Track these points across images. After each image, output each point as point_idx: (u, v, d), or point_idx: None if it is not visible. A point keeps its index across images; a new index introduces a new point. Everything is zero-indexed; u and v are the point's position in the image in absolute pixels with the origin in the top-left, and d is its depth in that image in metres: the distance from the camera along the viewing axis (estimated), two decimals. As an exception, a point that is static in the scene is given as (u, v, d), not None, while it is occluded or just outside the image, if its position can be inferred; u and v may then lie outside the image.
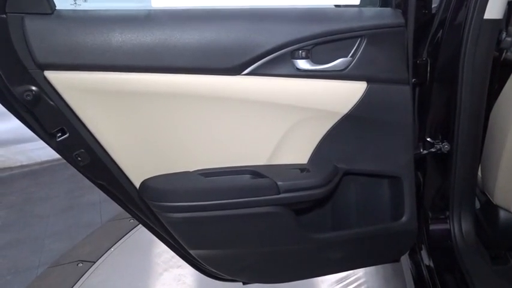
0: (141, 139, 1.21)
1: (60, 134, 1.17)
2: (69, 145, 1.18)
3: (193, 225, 1.22)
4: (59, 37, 1.09)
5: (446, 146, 1.42)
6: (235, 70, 1.17)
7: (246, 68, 1.17)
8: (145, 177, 1.23)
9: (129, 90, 1.15)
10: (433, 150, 1.43)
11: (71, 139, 1.17)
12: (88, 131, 1.17)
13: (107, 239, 2.79)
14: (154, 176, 1.23)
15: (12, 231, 2.97)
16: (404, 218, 1.38)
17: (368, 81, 1.24)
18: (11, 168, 3.86)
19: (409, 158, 1.33)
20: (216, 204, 1.20)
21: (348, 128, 1.27)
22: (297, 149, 1.30)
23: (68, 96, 1.13)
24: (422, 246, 1.52)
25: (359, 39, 1.21)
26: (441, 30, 1.35)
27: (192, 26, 1.15)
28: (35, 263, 2.64)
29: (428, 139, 1.45)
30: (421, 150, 1.45)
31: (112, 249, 2.70)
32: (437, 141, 1.44)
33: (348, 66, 1.22)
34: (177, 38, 1.14)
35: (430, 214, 1.50)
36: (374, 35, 1.21)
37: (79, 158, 1.19)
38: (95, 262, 2.58)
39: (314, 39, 1.18)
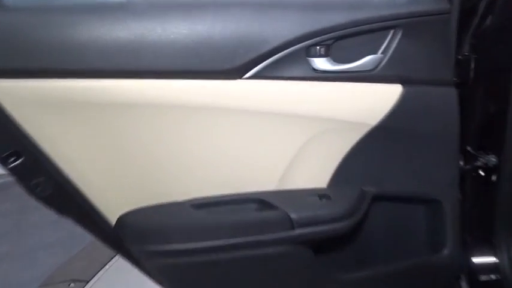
0: (116, 162, 0.97)
1: (13, 158, 0.92)
2: (26, 172, 0.94)
3: (187, 272, 0.98)
4: (7, 35, 0.87)
5: (492, 159, 1.19)
6: (235, 73, 0.93)
7: (250, 70, 0.94)
8: (123, 211, 0.99)
9: (99, 101, 0.92)
10: (476, 163, 1.20)
11: (26, 164, 0.93)
12: (47, 154, 0.92)
13: (101, 255, 2.54)
14: (134, 210, 0.99)
15: (7, 241, 2.77)
16: (445, 251, 1.14)
17: (403, 84, 1.00)
18: (5, 175, 3.64)
19: (453, 176, 1.10)
20: (214, 245, 0.95)
21: (377, 142, 1.03)
22: (314, 170, 1.05)
23: (19, 110, 0.90)
24: (463, 280, 1.26)
25: (392, 31, 0.97)
26: (490, 17, 1.10)
27: (179, 16, 0.92)
28: (29, 276, 2.41)
29: (470, 150, 1.19)
30: (462, 164, 1.20)
31: (107, 266, 2.46)
32: (481, 152, 1.20)
33: (378, 65, 0.98)
34: (159, 32, 0.90)
35: (472, 243, 1.24)
36: (411, 25, 0.97)
37: (38, 188, 0.94)
38: (88, 281, 2.34)
39: (335, 31, 0.94)
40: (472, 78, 1.16)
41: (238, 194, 1.02)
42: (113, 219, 1.00)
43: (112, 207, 0.99)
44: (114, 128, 0.94)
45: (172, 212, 0.98)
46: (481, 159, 1.20)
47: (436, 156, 1.07)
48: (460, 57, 1.14)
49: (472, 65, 1.16)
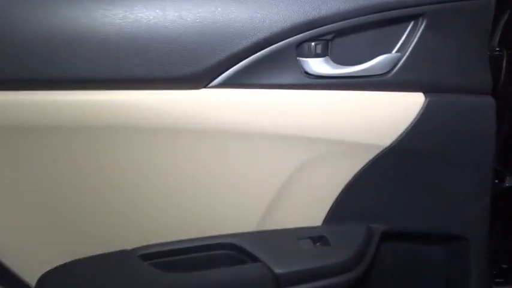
0: (34, 201, 0.72)
1: None
2: None
3: None
4: None
5: None
6: (197, 80, 0.68)
7: (218, 76, 0.68)
8: (46, 268, 0.72)
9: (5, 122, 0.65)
10: (506, 184, 0.97)
11: None
12: None
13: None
14: (61, 266, 0.72)
15: None
16: None
17: (426, 91, 0.75)
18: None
19: (483, 208, 0.86)
20: None
21: (389, 167, 0.79)
22: (305, 204, 0.80)
23: None
24: None
25: (412, 22, 0.72)
26: None
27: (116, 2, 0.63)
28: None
29: (496, 168, 0.96)
30: None
31: None
32: (510, 171, 0.98)
33: (393, 68, 0.73)
34: (82, 22, 0.63)
35: (495, 280, 1.02)
36: (440, 13, 0.71)
37: None
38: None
39: (336, 22, 0.69)
40: (502, 80, 0.92)
41: (204, 238, 0.77)
42: (31, 280, 0.73)
43: (30, 262, 0.74)
44: (27, 155, 0.67)
45: (114, 267, 0.73)
46: (509, 178, 0.97)
47: (465, 183, 0.83)
48: (489, 54, 0.89)
49: (504, 63, 0.92)
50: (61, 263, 0.72)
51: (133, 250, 0.74)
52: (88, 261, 0.73)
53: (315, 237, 0.79)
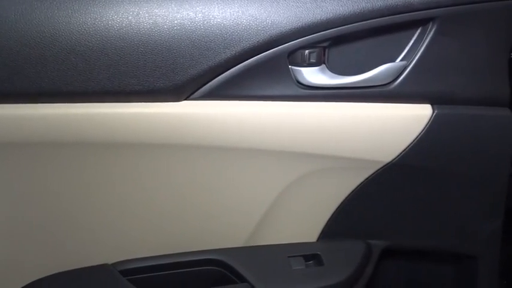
0: (15, 215, 0.69)
1: None
2: None
3: None
4: None
5: None
6: (176, 91, 0.61)
7: (200, 87, 0.62)
8: (27, 281, 0.69)
9: None
10: None
11: None
12: None
13: None
14: (42, 278, 0.69)
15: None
16: None
17: (434, 103, 0.68)
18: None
19: (495, 227, 0.78)
20: None
21: (392, 183, 0.72)
22: (299, 219, 0.75)
23: None
24: None
25: (421, 28, 0.64)
26: None
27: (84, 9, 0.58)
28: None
29: None
30: None
31: None
32: None
33: (397, 78, 0.65)
34: (50, 32, 0.57)
35: None
36: (453, 18, 0.64)
37: None
38: None
39: (334, 28, 0.61)
40: None
41: (188, 253, 0.72)
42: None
43: (10, 275, 0.71)
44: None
45: (93, 281, 0.69)
46: None
47: (477, 201, 0.76)
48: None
49: None
50: (42, 276, 0.70)
51: (114, 264, 0.70)
52: (68, 275, 0.70)
53: (308, 255, 0.74)
